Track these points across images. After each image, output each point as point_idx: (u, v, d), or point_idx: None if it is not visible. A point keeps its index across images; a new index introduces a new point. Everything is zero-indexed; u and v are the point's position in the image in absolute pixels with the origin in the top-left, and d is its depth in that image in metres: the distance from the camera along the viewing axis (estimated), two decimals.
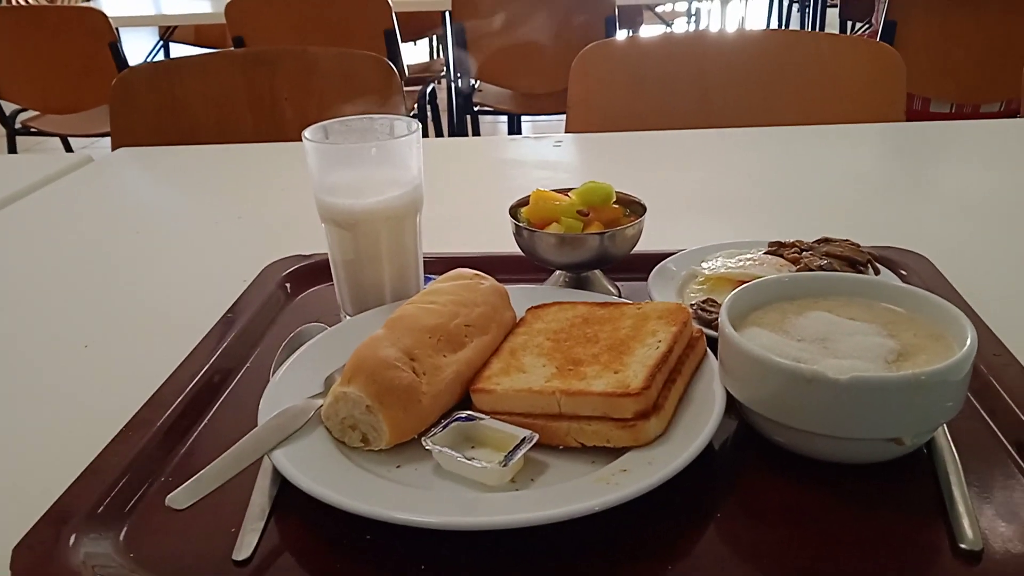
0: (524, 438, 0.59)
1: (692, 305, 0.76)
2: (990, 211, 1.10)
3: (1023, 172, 1.25)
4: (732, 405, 0.62)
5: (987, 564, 0.51)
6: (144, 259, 1.09)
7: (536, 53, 2.95)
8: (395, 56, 2.89)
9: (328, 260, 0.82)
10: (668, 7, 5.71)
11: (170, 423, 0.67)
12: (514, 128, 3.34)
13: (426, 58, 5.41)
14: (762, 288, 0.67)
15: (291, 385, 0.67)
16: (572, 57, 1.64)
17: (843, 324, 0.63)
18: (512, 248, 0.85)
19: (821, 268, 0.77)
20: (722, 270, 0.81)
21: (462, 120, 3.41)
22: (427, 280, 0.82)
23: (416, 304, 0.70)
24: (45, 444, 0.71)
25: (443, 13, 3.46)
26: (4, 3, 4.61)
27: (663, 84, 1.67)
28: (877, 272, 0.81)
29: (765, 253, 0.83)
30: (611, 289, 0.85)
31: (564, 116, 1.67)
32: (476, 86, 3.25)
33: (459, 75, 3.22)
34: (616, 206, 0.84)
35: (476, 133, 3.40)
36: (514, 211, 0.85)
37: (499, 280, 0.76)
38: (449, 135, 3.75)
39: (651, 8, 4.76)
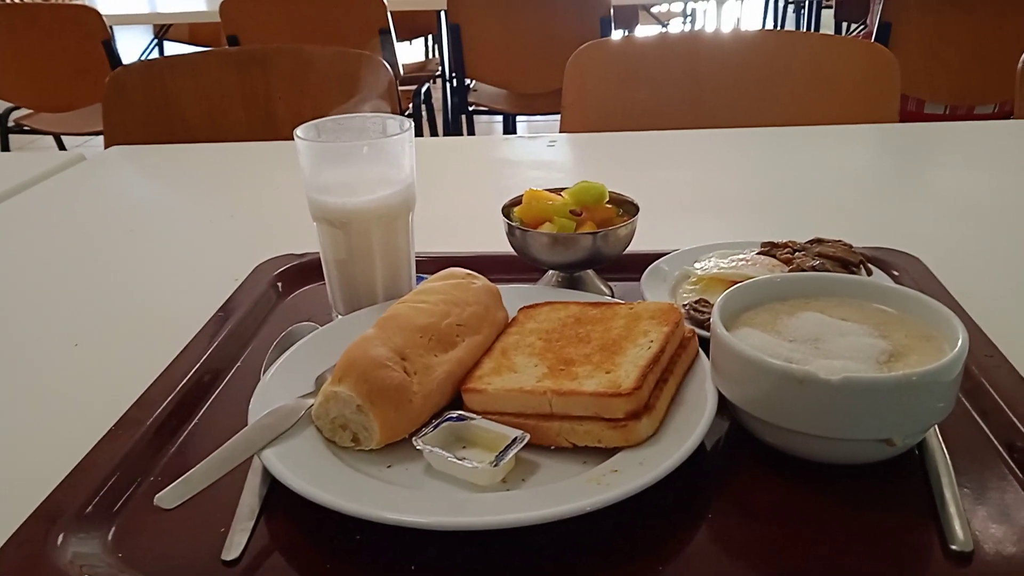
0: (515, 438, 0.59)
1: (684, 305, 0.76)
2: (983, 212, 1.10)
3: (1016, 174, 1.25)
4: (724, 405, 0.62)
5: (978, 565, 0.51)
6: (135, 257, 1.09)
7: (531, 53, 2.95)
8: (390, 55, 2.89)
9: (320, 259, 0.82)
10: (664, 7, 5.71)
11: (160, 422, 0.67)
12: (509, 128, 3.33)
13: (421, 57, 5.41)
14: (754, 288, 0.67)
15: (282, 384, 0.67)
16: (567, 57, 1.64)
17: (835, 325, 0.63)
18: (505, 248, 0.85)
19: (813, 269, 0.77)
20: (715, 270, 0.81)
21: (457, 120, 3.41)
22: (419, 279, 0.81)
23: (407, 303, 0.70)
24: (34, 442, 0.70)
25: (438, 12, 3.46)
26: None
27: (657, 84, 1.67)
28: (869, 273, 0.82)
29: (758, 254, 0.83)
30: (604, 289, 0.85)
31: (559, 116, 1.67)
32: (471, 86, 3.25)
33: (454, 75, 3.22)
34: (609, 206, 0.84)
35: (471, 133, 3.39)
36: (507, 210, 0.84)
37: (491, 280, 0.76)
38: (444, 135, 3.75)
39: (647, 9, 4.77)
